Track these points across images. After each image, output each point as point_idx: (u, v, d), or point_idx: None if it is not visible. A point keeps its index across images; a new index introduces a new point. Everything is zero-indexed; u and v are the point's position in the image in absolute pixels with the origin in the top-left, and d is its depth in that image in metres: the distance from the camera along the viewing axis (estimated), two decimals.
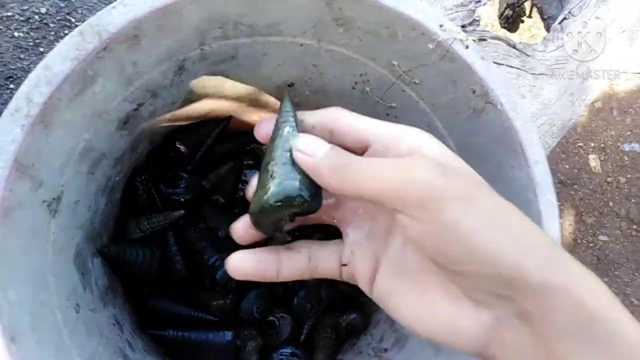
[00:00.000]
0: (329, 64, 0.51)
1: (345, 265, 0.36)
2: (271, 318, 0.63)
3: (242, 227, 0.38)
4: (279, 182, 0.32)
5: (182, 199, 0.61)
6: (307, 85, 0.57)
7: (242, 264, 0.37)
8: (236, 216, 0.66)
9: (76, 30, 0.34)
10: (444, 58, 0.43)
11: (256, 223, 0.36)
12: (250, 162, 0.72)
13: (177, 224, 0.60)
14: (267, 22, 0.45)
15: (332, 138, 0.34)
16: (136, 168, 0.61)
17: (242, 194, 0.69)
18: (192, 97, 0.56)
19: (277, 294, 0.65)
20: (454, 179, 0.28)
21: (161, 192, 0.62)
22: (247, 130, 0.75)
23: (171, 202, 0.61)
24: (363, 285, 0.35)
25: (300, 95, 0.59)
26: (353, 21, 0.44)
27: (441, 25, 0.41)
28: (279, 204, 0.32)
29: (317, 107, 0.36)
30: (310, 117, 0.35)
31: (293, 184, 0.32)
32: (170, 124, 0.61)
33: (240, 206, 0.68)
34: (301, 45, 0.49)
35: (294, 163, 0.33)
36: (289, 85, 0.58)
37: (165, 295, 0.60)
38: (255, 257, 0.37)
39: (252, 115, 0.69)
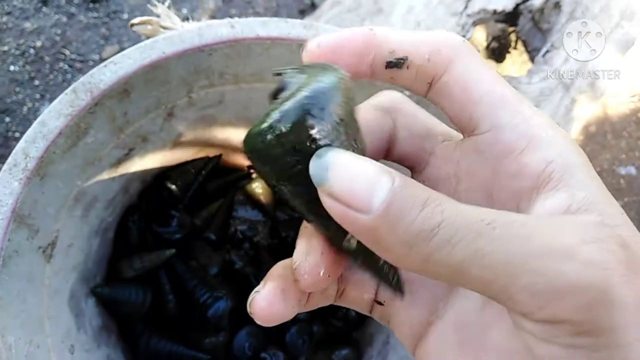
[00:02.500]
0: None
1: (381, 304, 0.25)
2: (264, 355, 0.64)
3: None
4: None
5: (174, 238, 0.63)
6: None
7: (274, 309, 0.22)
8: (227, 253, 0.68)
9: (70, 88, 0.37)
10: (420, 103, 0.46)
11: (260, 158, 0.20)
12: (242, 197, 0.74)
13: (168, 262, 0.62)
14: (251, 72, 0.47)
15: (428, 92, 0.22)
16: (128, 208, 0.63)
17: (233, 230, 0.71)
18: (182, 140, 0.58)
19: (269, 330, 0.66)
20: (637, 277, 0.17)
21: (153, 231, 0.63)
22: (236, 167, 0.77)
23: (163, 240, 0.63)
24: (403, 339, 0.24)
25: None
26: None
27: None
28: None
29: None
30: (398, 38, 0.21)
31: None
32: (161, 165, 0.63)
33: (232, 243, 0.69)
34: None
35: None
36: None
37: (158, 334, 0.61)
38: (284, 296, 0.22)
39: (241, 154, 0.72)
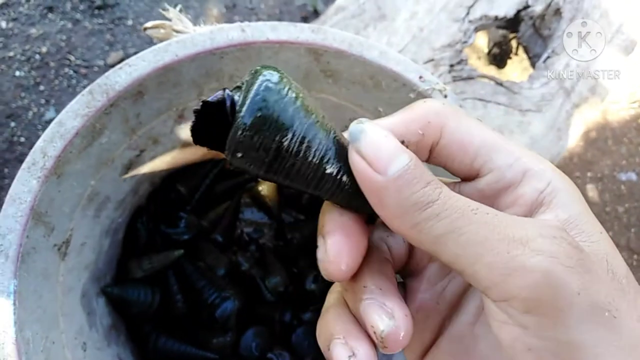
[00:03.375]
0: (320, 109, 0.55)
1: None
2: (270, 355, 0.65)
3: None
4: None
5: (182, 239, 0.64)
6: None
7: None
8: (234, 254, 0.69)
9: (87, 89, 0.38)
10: None
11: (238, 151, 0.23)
12: (248, 200, 0.74)
13: (177, 262, 0.63)
14: None
15: (430, 158, 0.25)
16: (138, 209, 0.64)
17: (239, 232, 0.71)
18: (191, 142, 0.59)
19: (275, 331, 0.67)
20: (595, 281, 0.20)
21: (161, 232, 0.64)
22: None
23: (171, 241, 0.64)
24: (408, 352, 0.27)
25: None
26: (340, 73, 0.47)
27: (420, 77, 0.44)
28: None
29: None
30: (391, 121, 0.24)
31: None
32: (170, 166, 0.64)
33: (238, 244, 0.70)
34: None
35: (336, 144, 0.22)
36: None
37: (166, 333, 0.61)
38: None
39: None
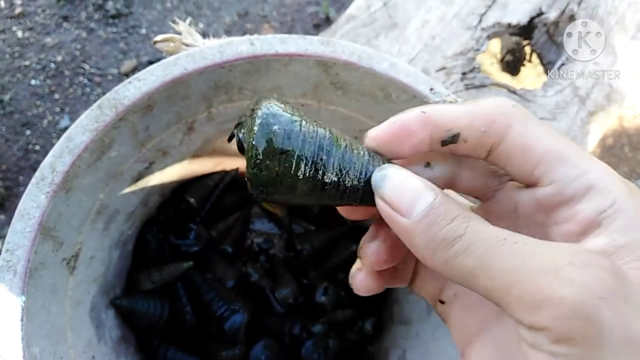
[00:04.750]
0: (330, 120, 0.55)
1: (442, 302, 0.28)
2: None
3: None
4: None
5: (192, 250, 0.63)
6: None
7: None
8: (244, 265, 0.69)
9: (95, 104, 0.38)
10: None
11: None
12: (258, 210, 0.74)
13: (186, 274, 0.62)
14: (270, 87, 0.48)
15: (488, 157, 0.24)
16: (147, 221, 0.64)
17: (249, 242, 0.71)
18: (200, 153, 0.59)
19: (285, 343, 0.66)
20: (634, 312, 0.19)
21: (171, 243, 0.64)
22: None
23: (181, 253, 0.64)
24: (455, 339, 0.27)
25: None
26: (350, 85, 0.47)
27: (431, 89, 0.44)
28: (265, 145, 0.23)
29: None
30: (452, 116, 0.23)
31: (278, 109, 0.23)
32: (180, 178, 0.64)
33: (248, 255, 0.70)
34: (302, 105, 0.52)
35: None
36: None
37: (175, 345, 0.61)
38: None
39: None
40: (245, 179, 0.24)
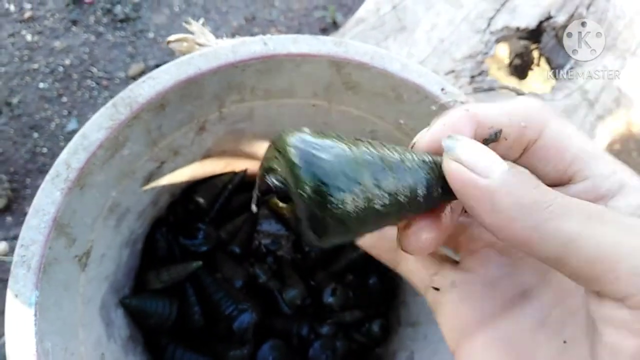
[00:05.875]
0: (340, 121, 0.55)
1: (437, 289, 0.26)
2: None
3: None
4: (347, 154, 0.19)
5: (200, 250, 0.64)
6: None
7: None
8: (252, 266, 0.69)
9: (110, 102, 0.38)
10: None
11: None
12: (266, 212, 0.74)
13: (194, 274, 0.62)
14: (282, 87, 0.48)
15: (521, 157, 0.24)
16: (157, 220, 0.65)
17: (257, 243, 0.71)
18: (211, 153, 0.60)
19: (292, 344, 0.66)
20: None
21: (180, 243, 0.64)
22: None
23: (190, 253, 0.64)
24: (446, 331, 0.26)
25: None
26: (361, 85, 0.47)
27: (443, 89, 0.44)
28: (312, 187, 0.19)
29: None
30: (494, 113, 0.23)
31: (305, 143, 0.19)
32: (190, 179, 0.64)
33: (256, 256, 0.70)
34: (313, 105, 0.52)
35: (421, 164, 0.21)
36: None
37: (183, 345, 0.61)
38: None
39: None
40: (298, 233, 0.21)
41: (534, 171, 0.23)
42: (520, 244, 0.19)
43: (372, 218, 0.20)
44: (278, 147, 0.20)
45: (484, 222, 0.20)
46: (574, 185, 0.23)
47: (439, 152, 0.22)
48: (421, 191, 0.21)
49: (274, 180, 0.20)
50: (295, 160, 0.19)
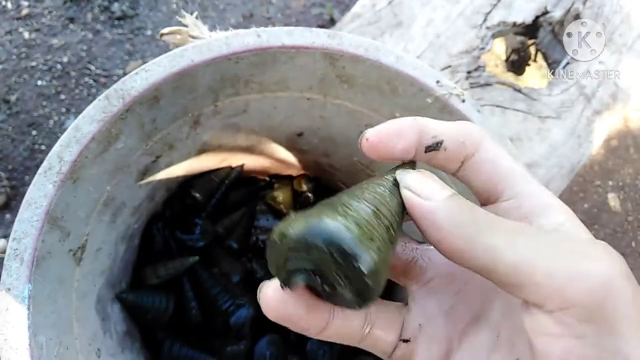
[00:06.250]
0: (335, 115, 0.55)
1: (407, 341, 0.26)
2: None
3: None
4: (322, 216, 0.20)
5: (197, 245, 0.64)
6: (315, 134, 0.60)
7: (282, 306, 0.24)
8: (249, 261, 0.69)
9: (103, 94, 0.38)
10: (442, 111, 0.46)
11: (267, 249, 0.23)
12: (263, 207, 0.74)
13: (191, 269, 0.62)
14: (276, 80, 0.48)
15: (458, 170, 0.26)
16: (153, 215, 0.64)
17: (254, 239, 0.71)
18: (207, 148, 0.60)
19: (290, 339, 0.66)
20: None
21: (177, 238, 0.64)
22: (259, 177, 0.78)
23: (186, 248, 0.64)
24: None
25: (309, 144, 0.62)
26: (356, 78, 0.47)
27: (438, 82, 0.44)
28: (298, 242, 0.20)
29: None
30: (438, 126, 0.26)
31: (340, 225, 0.20)
32: (186, 173, 0.64)
33: (253, 252, 0.70)
34: (308, 99, 0.52)
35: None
36: (298, 135, 0.61)
37: (180, 340, 0.61)
38: (304, 303, 0.24)
39: (263, 163, 0.73)
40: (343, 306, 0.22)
41: (469, 185, 0.27)
42: (456, 256, 0.22)
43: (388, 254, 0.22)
44: (309, 243, 0.20)
45: (429, 236, 0.23)
46: (502, 203, 0.25)
47: (379, 147, 0.25)
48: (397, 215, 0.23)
49: (306, 279, 0.21)
50: (305, 230, 0.20)
